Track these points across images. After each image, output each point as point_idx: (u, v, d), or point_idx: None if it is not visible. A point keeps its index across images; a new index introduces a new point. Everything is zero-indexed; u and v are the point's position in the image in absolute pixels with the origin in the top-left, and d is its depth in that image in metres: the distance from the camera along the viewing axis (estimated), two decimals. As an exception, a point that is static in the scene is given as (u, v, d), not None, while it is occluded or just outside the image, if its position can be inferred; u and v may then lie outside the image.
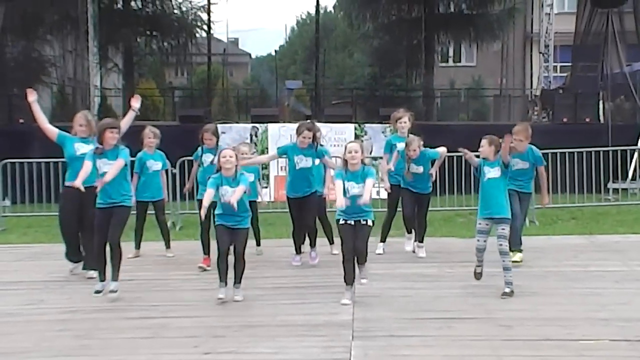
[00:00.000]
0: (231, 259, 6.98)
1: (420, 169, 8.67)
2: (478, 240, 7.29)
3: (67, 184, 7.89)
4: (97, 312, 6.75)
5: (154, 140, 9.35)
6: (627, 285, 7.47)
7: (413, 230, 9.02)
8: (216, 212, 7.04)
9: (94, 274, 7.54)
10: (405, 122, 9.16)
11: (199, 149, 8.66)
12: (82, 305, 7.02)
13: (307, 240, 8.65)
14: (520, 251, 8.29)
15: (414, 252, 8.98)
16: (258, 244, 9.30)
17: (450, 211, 12.46)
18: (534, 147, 8.24)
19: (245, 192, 6.88)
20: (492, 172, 7.27)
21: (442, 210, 12.28)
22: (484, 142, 7.24)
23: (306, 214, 8.40)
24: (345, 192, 6.79)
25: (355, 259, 6.92)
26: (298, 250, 8.67)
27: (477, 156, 7.30)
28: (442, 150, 8.73)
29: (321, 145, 8.57)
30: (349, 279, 6.86)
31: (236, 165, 6.96)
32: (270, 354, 5.42)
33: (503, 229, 7.11)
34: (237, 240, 6.98)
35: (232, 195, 6.72)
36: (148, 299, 7.13)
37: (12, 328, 6.33)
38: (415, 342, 5.65)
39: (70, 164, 7.91)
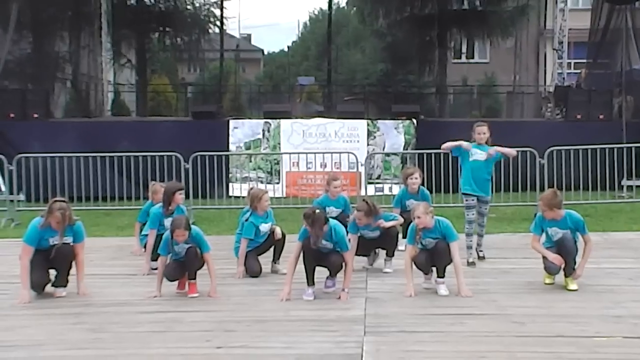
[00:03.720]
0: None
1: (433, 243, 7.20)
2: (468, 215, 8.52)
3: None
4: (110, 306, 6.79)
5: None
6: (641, 282, 7.44)
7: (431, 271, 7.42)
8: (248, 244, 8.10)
9: (63, 291, 7.29)
10: (416, 179, 9.14)
11: (168, 237, 7.23)
12: (96, 299, 7.07)
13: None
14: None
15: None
16: None
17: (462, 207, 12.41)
18: (572, 212, 7.22)
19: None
20: (477, 155, 8.38)
21: (453, 207, 12.24)
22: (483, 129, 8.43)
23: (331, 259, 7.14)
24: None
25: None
26: (310, 281, 7.07)
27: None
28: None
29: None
30: None
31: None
32: (282, 348, 5.42)
33: (485, 208, 8.66)
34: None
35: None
36: (161, 294, 7.15)
37: (26, 321, 6.37)
38: (427, 338, 5.64)
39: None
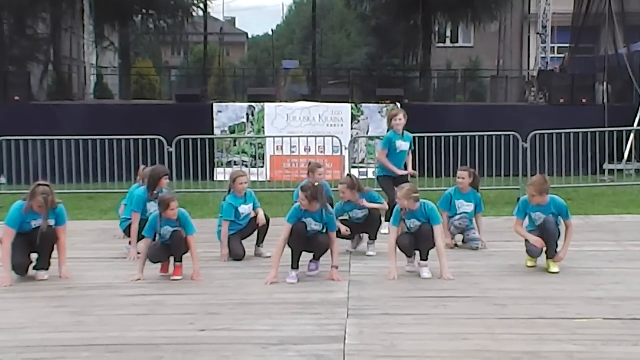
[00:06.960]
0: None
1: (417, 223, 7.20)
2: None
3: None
4: (93, 289, 6.77)
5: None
6: (621, 264, 7.51)
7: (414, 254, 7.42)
8: (230, 226, 8.03)
9: (44, 274, 7.25)
10: (400, 119, 9.23)
11: (155, 218, 7.25)
12: (78, 282, 7.04)
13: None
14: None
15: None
16: None
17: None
18: (556, 198, 7.31)
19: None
20: (465, 207, 8.50)
21: (437, 190, 12.28)
22: (463, 173, 8.49)
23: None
24: None
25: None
26: (295, 264, 7.04)
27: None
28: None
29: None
30: None
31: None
32: (265, 330, 5.43)
33: (473, 232, 8.51)
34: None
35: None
36: (144, 276, 7.14)
37: (8, 304, 6.34)
38: (409, 320, 5.67)
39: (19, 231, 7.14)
